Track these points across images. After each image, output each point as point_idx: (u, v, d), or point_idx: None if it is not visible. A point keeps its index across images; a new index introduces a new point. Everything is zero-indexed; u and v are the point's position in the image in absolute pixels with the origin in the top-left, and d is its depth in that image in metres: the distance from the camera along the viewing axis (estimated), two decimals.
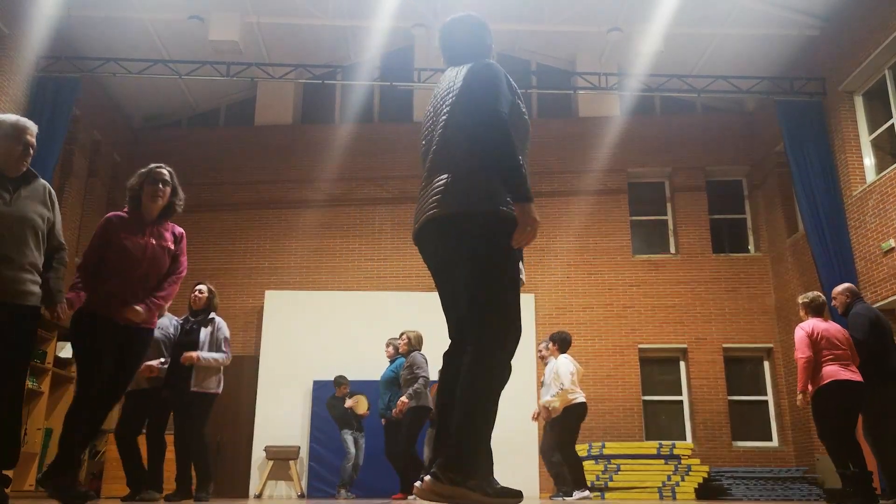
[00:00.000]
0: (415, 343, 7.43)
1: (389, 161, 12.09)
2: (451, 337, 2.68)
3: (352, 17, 10.82)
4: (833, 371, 5.69)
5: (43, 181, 3.79)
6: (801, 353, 5.80)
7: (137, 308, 3.94)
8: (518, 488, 2.55)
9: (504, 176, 2.42)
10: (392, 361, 7.90)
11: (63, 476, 3.78)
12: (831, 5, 9.71)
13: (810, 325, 5.88)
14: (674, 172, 12.06)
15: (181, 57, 10.62)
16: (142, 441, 5.72)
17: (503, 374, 2.44)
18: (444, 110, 2.67)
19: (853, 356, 5.78)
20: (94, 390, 3.88)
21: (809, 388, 5.79)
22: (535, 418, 8.07)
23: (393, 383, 7.61)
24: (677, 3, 9.72)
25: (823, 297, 6.09)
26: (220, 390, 5.91)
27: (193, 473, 5.70)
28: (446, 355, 2.65)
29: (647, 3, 9.92)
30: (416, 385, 7.07)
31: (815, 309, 6.02)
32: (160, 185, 4.14)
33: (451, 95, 2.67)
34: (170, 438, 5.70)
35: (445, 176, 2.56)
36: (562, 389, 7.28)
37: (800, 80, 10.24)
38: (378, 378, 8.04)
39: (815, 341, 5.77)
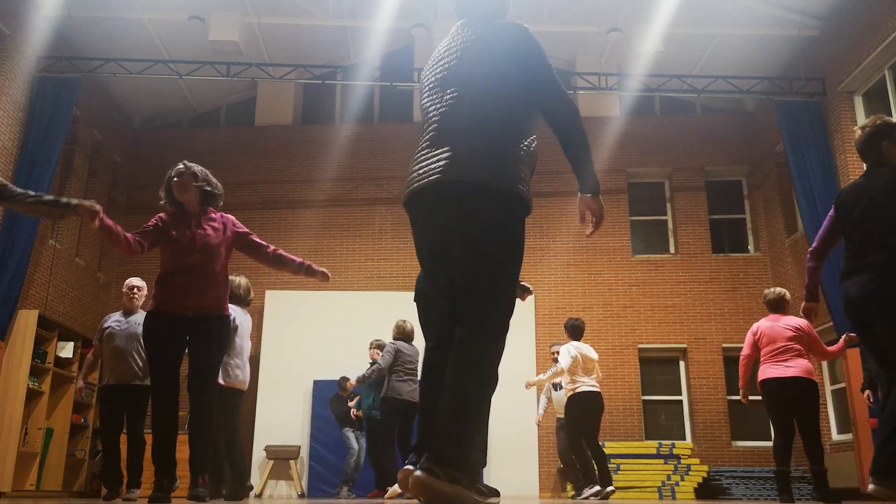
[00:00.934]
0: (395, 332, 7.20)
1: (389, 161, 12.10)
2: (435, 323, 2.48)
3: (352, 17, 10.82)
4: (762, 371, 5.90)
5: None
6: (742, 352, 6.07)
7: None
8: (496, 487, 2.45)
9: (586, 162, 2.40)
10: (373, 363, 7.90)
11: (159, 490, 3.88)
12: (831, 5, 9.71)
13: (757, 324, 6.05)
14: (673, 172, 12.07)
15: (181, 57, 10.63)
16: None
17: (497, 365, 2.30)
18: (467, 67, 2.47)
19: (806, 349, 5.79)
20: (162, 389, 3.94)
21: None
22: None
23: (374, 384, 7.61)
24: (677, 3, 9.73)
25: (778, 293, 6.07)
26: (225, 384, 5.80)
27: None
28: (432, 347, 2.48)
29: (647, 3, 9.93)
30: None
31: (770, 305, 6.11)
32: (177, 178, 4.19)
33: (477, 52, 2.46)
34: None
35: (469, 142, 2.35)
36: (558, 369, 7.23)
37: (799, 80, 10.25)
38: None
39: (756, 340, 5.96)
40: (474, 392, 2.21)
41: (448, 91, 2.48)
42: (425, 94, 2.61)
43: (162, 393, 3.95)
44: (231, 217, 4.31)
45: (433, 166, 2.38)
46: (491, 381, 2.29)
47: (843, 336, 5.84)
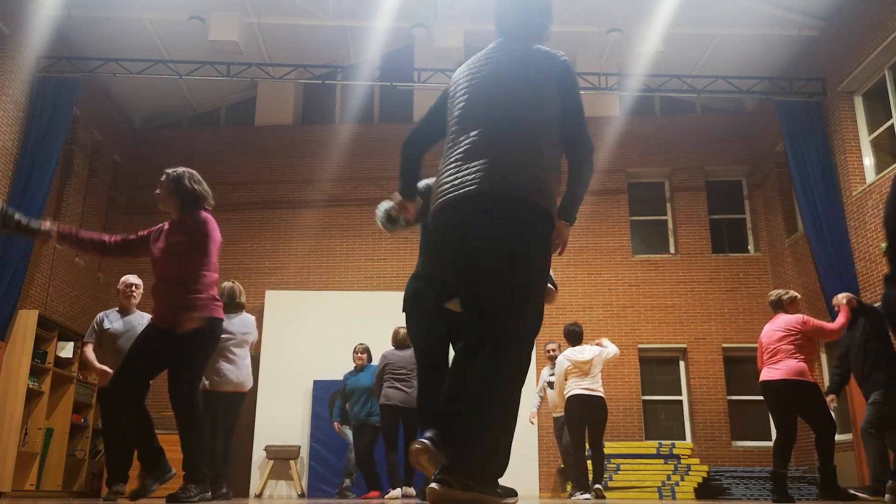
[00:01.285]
0: (391, 339, 7.36)
1: (389, 161, 12.08)
2: (464, 332, 2.47)
3: (352, 17, 10.82)
4: (761, 374, 5.94)
5: None
6: (758, 364, 6.11)
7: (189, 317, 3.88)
8: (513, 487, 2.49)
9: (580, 197, 2.57)
10: (363, 369, 8.03)
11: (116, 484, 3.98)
12: (831, 5, 9.71)
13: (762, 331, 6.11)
14: (673, 172, 12.07)
15: (181, 57, 10.62)
16: None
17: (524, 374, 2.36)
18: (507, 86, 2.51)
19: (803, 344, 5.76)
20: (115, 386, 3.99)
21: None
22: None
23: (366, 390, 7.73)
24: (677, 3, 9.72)
25: (776, 294, 6.11)
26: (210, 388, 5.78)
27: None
28: (461, 353, 2.45)
29: (647, 3, 9.93)
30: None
31: (770, 307, 6.15)
32: (157, 191, 4.21)
33: (519, 73, 2.52)
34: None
35: (506, 156, 2.40)
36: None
37: (799, 80, 10.25)
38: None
39: (760, 346, 6.05)
40: (496, 401, 2.27)
41: (485, 106, 2.51)
42: (457, 104, 2.60)
43: (119, 408, 4.06)
44: (203, 219, 4.07)
45: (469, 177, 2.40)
46: (515, 390, 2.33)
47: (841, 299, 5.84)
